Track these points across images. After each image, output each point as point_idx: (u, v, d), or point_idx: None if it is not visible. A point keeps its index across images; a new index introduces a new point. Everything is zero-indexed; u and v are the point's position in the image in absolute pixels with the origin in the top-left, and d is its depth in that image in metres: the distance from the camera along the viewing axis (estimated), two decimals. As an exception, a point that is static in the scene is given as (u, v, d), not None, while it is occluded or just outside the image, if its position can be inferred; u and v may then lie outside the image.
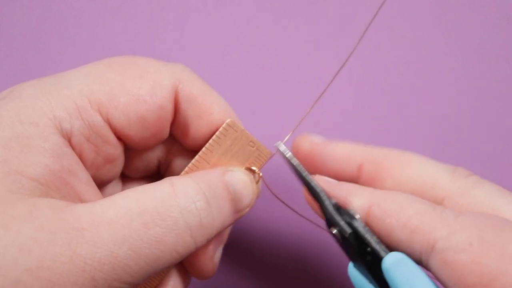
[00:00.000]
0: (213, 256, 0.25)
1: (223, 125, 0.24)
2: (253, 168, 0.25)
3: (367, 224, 0.22)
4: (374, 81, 0.39)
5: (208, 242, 0.23)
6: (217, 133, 0.24)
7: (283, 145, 0.25)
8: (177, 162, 0.27)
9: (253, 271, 0.36)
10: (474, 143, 0.39)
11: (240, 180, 0.24)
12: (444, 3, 0.40)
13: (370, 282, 0.22)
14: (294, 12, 0.40)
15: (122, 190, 0.27)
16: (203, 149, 0.25)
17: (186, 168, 0.25)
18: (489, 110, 0.38)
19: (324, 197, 0.23)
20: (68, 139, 0.22)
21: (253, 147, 0.25)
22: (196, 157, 0.25)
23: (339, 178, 0.25)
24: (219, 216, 0.22)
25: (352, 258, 0.23)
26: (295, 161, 0.24)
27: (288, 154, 0.24)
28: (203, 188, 0.22)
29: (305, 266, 0.36)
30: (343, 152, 0.26)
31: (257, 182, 0.25)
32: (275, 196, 0.27)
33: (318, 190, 0.23)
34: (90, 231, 0.19)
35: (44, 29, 0.39)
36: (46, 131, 0.21)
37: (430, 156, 0.38)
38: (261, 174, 0.25)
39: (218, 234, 0.23)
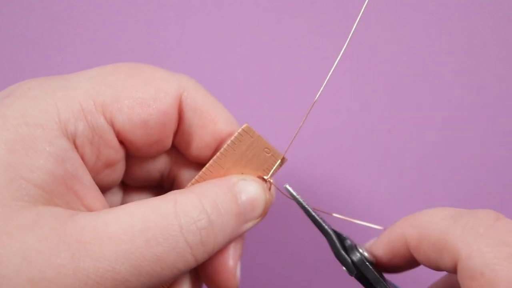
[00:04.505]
0: (236, 273, 0.25)
1: (239, 130, 0.24)
2: (265, 177, 0.25)
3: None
4: (374, 81, 0.39)
5: (229, 257, 0.24)
6: (232, 138, 0.24)
7: (290, 188, 0.25)
8: (183, 175, 0.27)
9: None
10: (474, 143, 0.39)
11: (251, 190, 0.24)
12: (444, 3, 0.40)
13: None
14: (294, 12, 0.40)
15: (123, 199, 0.27)
16: (218, 153, 0.24)
17: (200, 173, 0.24)
18: (489, 110, 0.38)
19: (331, 234, 0.24)
20: (73, 141, 0.22)
21: (268, 153, 0.25)
22: (211, 161, 0.24)
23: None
24: (222, 233, 0.22)
25: None
26: (302, 201, 0.24)
27: (296, 195, 0.25)
28: (206, 207, 0.22)
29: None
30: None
31: (269, 189, 0.25)
32: (284, 194, 0.27)
33: (326, 227, 0.24)
34: (93, 245, 0.19)
35: (44, 29, 0.39)
36: (51, 134, 0.20)
37: (430, 156, 0.38)
38: (272, 180, 0.25)
39: (235, 247, 0.24)
